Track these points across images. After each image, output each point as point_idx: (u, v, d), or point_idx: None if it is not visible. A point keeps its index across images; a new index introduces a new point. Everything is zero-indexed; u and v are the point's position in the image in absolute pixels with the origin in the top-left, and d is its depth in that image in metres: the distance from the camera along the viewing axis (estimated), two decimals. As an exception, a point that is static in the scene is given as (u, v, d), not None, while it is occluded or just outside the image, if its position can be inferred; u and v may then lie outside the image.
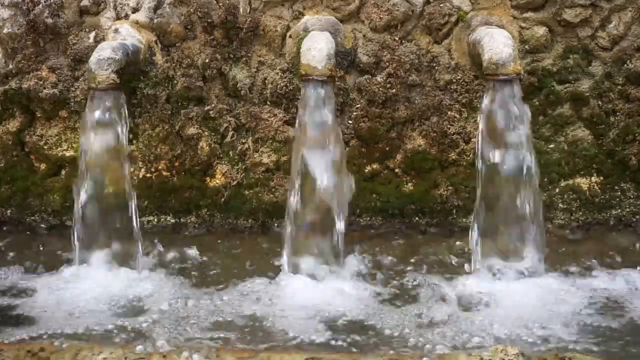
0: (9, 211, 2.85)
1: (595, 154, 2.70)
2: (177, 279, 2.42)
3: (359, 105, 2.66)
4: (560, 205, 2.71)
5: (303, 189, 2.38)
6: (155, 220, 2.79)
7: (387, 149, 2.70)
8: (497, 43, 2.35)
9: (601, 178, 2.71)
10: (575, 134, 2.69)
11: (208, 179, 2.77)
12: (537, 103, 2.66)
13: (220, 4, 2.64)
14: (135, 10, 2.70)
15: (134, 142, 2.73)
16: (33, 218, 2.84)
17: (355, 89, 2.67)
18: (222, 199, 2.76)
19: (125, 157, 2.49)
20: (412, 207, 2.72)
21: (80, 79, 2.72)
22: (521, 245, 2.37)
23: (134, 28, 2.67)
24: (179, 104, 2.73)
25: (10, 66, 2.75)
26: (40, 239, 2.74)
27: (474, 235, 2.37)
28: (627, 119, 2.66)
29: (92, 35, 2.72)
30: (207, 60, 2.70)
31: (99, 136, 2.43)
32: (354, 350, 1.97)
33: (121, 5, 2.72)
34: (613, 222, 2.71)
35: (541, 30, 2.62)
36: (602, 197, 2.71)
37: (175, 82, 2.71)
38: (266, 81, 2.68)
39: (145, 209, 2.77)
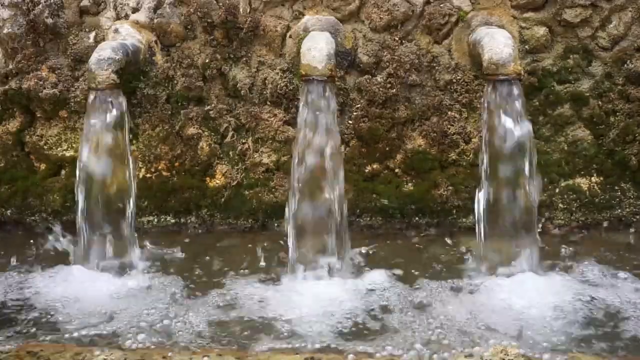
0: (9, 211, 2.85)
1: (595, 154, 2.70)
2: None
3: (359, 105, 2.66)
4: (560, 205, 2.71)
5: (303, 189, 2.38)
6: (155, 220, 2.79)
7: (387, 149, 2.70)
8: (497, 43, 2.35)
9: (601, 178, 2.71)
10: (575, 134, 2.69)
11: (208, 179, 2.77)
12: (537, 103, 2.66)
13: (220, 4, 2.64)
14: (135, 10, 2.70)
15: (134, 142, 2.73)
16: (33, 218, 2.84)
17: (355, 89, 2.67)
18: (222, 199, 2.76)
19: (127, 157, 2.49)
20: (412, 207, 2.72)
21: (80, 79, 2.72)
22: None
23: (134, 28, 2.67)
24: (179, 104, 2.73)
25: (10, 66, 2.75)
26: (40, 238, 2.75)
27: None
28: (627, 119, 2.66)
29: (92, 35, 2.72)
30: (207, 60, 2.70)
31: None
32: (352, 349, 1.97)
33: (121, 5, 2.72)
34: (613, 222, 2.71)
35: (541, 31, 2.62)
36: (602, 197, 2.71)
37: (175, 82, 2.71)
38: (266, 81, 2.68)
39: (145, 209, 2.77)
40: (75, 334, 2.06)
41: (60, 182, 2.82)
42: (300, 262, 2.36)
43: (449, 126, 2.66)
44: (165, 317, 2.14)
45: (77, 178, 2.45)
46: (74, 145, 2.76)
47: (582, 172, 2.71)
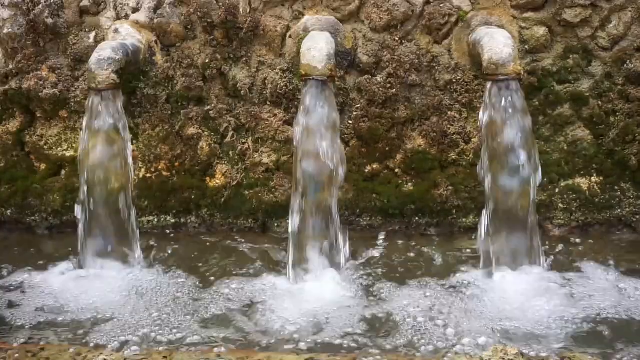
0: (9, 211, 2.85)
1: (595, 154, 2.70)
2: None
3: (359, 105, 2.66)
4: (560, 205, 2.71)
5: (304, 190, 2.38)
6: (156, 220, 2.79)
7: (387, 149, 2.70)
8: (497, 43, 2.35)
9: (601, 178, 2.71)
10: (575, 134, 2.69)
11: (208, 179, 2.77)
12: (537, 103, 2.66)
13: (220, 4, 2.64)
14: (135, 10, 2.70)
15: (134, 142, 2.73)
16: (33, 218, 2.84)
17: (355, 89, 2.67)
18: (222, 199, 2.76)
19: (126, 157, 2.49)
20: (412, 207, 2.72)
21: (80, 79, 2.72)
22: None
23: (134, 28, 2.67)
24: (179, 104, 2.73)
25: (10, 66, 2.75)
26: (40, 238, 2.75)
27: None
28: (627, 119, 2.66)
29: (92, 35, 2.73)
30: (207, 60, 2.70)
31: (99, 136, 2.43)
32: (352, 350, 1.97)
33: (121, 5, 2.72)
34: (613, 222, 2.71)
35: (541, 30, 2.62)
36: (602, 197, 2.71)
37: (175, 82, 2.71)
38: (266, 81, 2.68)
39: (145, 209, 2.77)
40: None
41: (60, 182, 2.82)
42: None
43: (449, 126, 2.66)
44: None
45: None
46: (74, 145, 2.77)
47: (582, 172, 2.71)
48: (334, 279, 2.34)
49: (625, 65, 2.63)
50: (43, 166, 2.82)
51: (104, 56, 2.43)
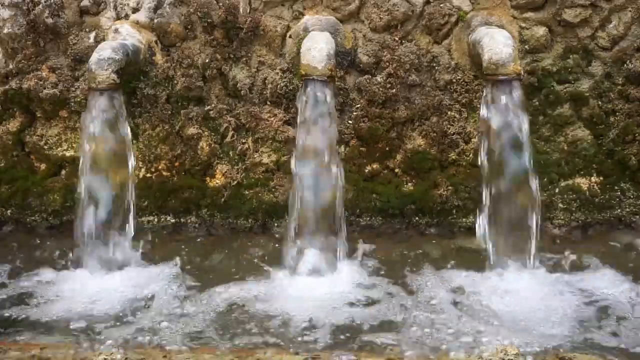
0: (9, 211, 2.85)
1: (595, 154, 2.70)
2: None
3: (359, 105, 2.66)
4: (560, 205, 2.71)
5: (301, 189, 2.38)
6: (155, 220, 2.79)
7: (387, 149, 2.70)
8: (497, 43, 2.36)
9: (601, 178, 2.71)
10: (575, 134, 2.70)
11: (208, 179, 2.77)
12: (537, 103, 2.66)
13: (220, 4, 2.64)
14: (135, 10, 2.71)
15: (134, 142, 2.73)
16: (33, 218, 2.84)
17: (355, 89, 2.67)
18: (222, 199, 2.76)
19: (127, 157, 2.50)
20: (412, 207, 2.72)
21: (81, 79, 2.72)
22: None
23: (134, 28, 2.67)
24: (179, 104, 2.73)
25: (11, 66, 2.76)
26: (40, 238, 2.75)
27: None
28: (627, 119, 2.66)
29: (92, 35, 2.73)
30: (207, 60, 2.70)
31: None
32: (352, 350, 1.97)
33: (121, 5, 2.72)
34: (613, 222, 2.71)
35: (541, 30, 2.62)
36: (602, 197, 2.71)
37: (175, 82, 2.71)
38: (266, 81, 2.68)
39: (145, 208, 2.77)
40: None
41: (61, 182, 2.82)
42: None
43: (448, 126, 2.67)
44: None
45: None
46: (74, 145, 2.77)
47: (582, 172, 2.71)
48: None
49: (625, 65, 2.63)
50: (43, 166, 2.82)
51: (104, 56, 2.43)
